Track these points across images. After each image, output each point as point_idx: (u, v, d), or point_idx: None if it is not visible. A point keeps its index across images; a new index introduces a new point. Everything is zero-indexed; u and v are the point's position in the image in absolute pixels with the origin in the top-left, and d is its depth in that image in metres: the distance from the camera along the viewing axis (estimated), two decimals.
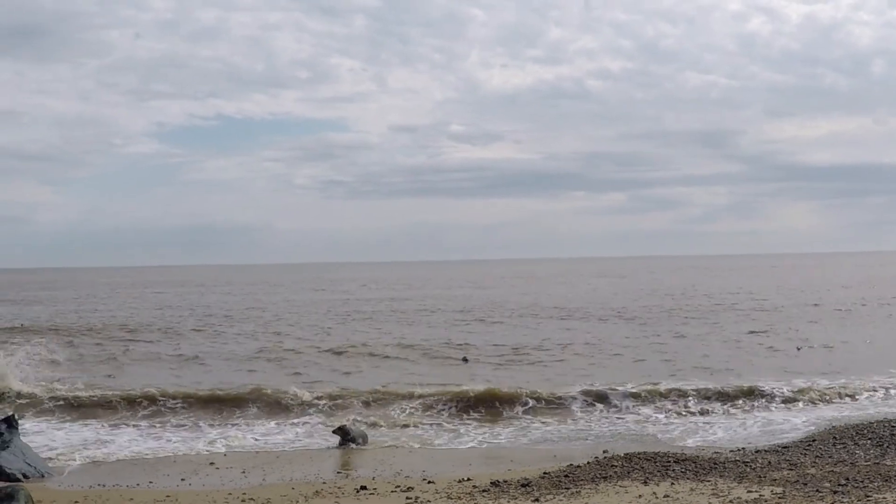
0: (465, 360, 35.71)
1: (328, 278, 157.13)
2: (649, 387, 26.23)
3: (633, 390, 25.86)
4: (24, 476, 17.11)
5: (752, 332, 44.03)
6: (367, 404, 25.03)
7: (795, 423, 22.68)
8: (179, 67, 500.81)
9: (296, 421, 23.67)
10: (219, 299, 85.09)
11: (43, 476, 17.50)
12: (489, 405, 24.91)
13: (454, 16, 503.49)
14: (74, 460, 19.32)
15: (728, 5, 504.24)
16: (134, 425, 23.39)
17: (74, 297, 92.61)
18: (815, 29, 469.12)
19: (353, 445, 20.23)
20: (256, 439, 21.64)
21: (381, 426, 22.80)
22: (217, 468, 18.28)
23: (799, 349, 37.51)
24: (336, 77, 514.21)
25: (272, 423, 23.43)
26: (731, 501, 13.60)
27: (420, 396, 25.36)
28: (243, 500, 14.93)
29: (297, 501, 14.78)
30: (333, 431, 20.90)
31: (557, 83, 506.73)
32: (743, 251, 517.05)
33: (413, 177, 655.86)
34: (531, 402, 24.85)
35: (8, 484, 14.99)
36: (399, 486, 15.69)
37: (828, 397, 25.63)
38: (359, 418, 23.09)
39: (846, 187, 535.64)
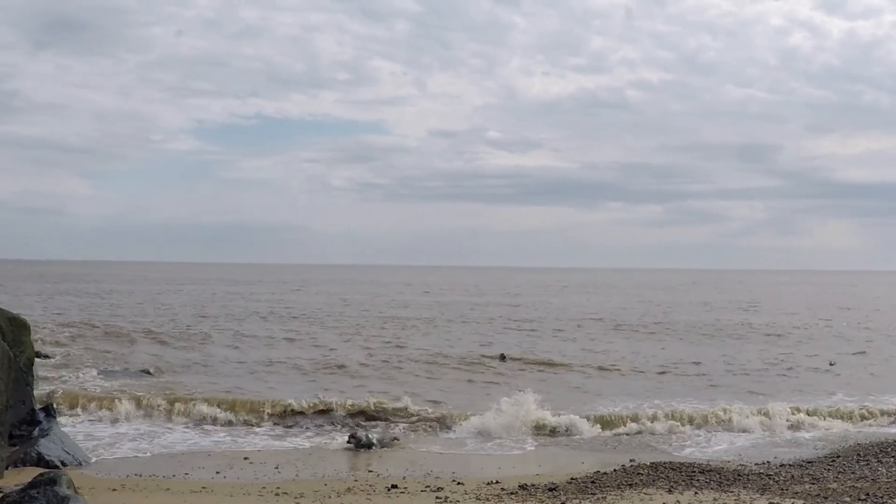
0: (502, 357, 36.30)
1: (363, 281, 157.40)
2: (669, 404, 26.51)
3: (657, 406, 26.16)
4: (63, 463, 17.51)
5: (782, 348, 44.20)
6: (397, 413, 25.15)
7: (803, 438, 23.07)
8: (220, 66, 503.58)
9: (328, 427, 23.78)
10: (259, 299, 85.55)
11: (81, 464, 17.93)
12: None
13: (496, 22, 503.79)
14: (114, 452, 19.76)
15: (769, 20, 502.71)
16: (174, 422, 23.66)
17: (117, 291, 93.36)
18: (857, 45, 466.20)
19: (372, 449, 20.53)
20: (289, 439, 21.99)
21: (412, 430, 23.10)
22: (251, 463, 18.68)
23: (832, 364, 37.62)
24: (376, 80, 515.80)
25: (305, 426, 23.66)
26: None
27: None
28: (277, 494, 15.31)
29: (330, 497, 15.14)
30: (348, 441, 21.10)
31: (597, 92, 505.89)
32: (780, 267, 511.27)
33: (450, 181, 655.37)
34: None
35: (50, 470, 15.36)
36: (429, 486, 16.06)
37: (842, 415, 25.74)
38: (383, 425, 23.37)
39: (884, 206, 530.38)
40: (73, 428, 21.55)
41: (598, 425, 23.61)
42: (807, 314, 71.43)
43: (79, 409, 24.43)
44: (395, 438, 21.50)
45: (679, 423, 24.03)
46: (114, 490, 15.44)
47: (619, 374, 34.06)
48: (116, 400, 25.30)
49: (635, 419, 24.30)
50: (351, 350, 39.64)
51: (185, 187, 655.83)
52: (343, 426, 23.30)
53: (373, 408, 24.62)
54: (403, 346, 40.99)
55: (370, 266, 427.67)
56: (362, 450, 20.43)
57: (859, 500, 14.65)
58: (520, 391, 24.71)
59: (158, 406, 24.81)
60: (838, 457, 19.74)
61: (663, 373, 34.57)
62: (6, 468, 16.50)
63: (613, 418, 24.35)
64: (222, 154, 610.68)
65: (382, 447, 20.67)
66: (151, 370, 31.58)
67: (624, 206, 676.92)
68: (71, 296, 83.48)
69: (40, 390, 23.36)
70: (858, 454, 19.92)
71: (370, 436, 20.91)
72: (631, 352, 41.41)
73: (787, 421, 24.71)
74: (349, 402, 25.23)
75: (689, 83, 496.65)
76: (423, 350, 39.73)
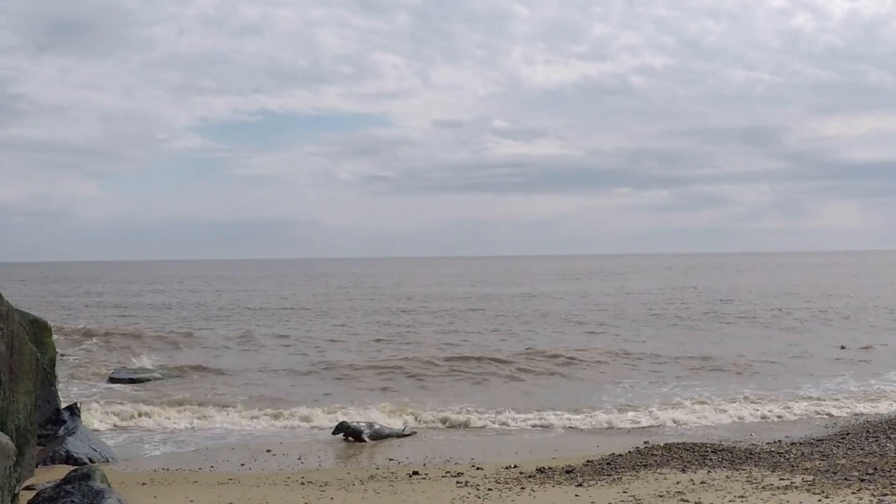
0: (527, 350, 36.82)
1: (375, 274, 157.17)
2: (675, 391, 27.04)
3: (665, 395, 26.81)
4: (91, 460, 17.92)
5: (790, 332, 44.60)
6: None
7: (812, 419, 23.45)
8: (223, 63, 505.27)
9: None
10: (282, 294, 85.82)
11: (108, 461, 18.33)
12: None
13: (497, 12, 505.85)
14: (138, 449, 20.24)
15: (771, 2, 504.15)
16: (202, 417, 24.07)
17: (130, 292, 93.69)
18: (859, 25, 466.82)
19: (366, 440, 20.68)
20: (312, 429, 22.42)
21: (432, 419, 23.48)
22: (273, 455, 19.17)
23: (843, 348, 37.86)
24: (379, 72, 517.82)
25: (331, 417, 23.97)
26: (764, 487, 14.32)
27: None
28: (302, 483, 15.77)
29: (354, 484, 15.60)
30: (333, 433, 21.23)
31: (600, 79, 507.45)
32: (787, 249, 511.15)
33: (456, 172, 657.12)
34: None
35: (82, 466, 15.81)
36: (449, 472, 16.52)
37: (850, 395, 26.21)
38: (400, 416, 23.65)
39: (890, 185, 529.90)
40: (97, 426, 21.95)
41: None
42: (813, 296, 71.59)
43: (100, 409, 24.82)
44: (413, 432, 21.69)
45: (685, 409, 24.38)
46: (143, 484, 15.86)
47: (633, 363, 34.16)
48: (139, 400, 25.87)
49: (646, 407, 24.68)
50: (382, 349, 39.99)
51: (192, 185, 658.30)
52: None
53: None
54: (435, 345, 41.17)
55: (378, 259, 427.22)
56: (351, 440, 20.71)
57: (867, 474, 15.04)
58: None
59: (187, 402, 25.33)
60: (848, 434, 20.17)
61: (664, 361, 34.75)
62: (35, 466, 16.90)
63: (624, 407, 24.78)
64: (228, 151, 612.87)
65: (374, 439, 20.79)
66: (159, 371, 31.97)
67: (631, 191, 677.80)
68: (81, 296, 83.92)
69: (64, 391, 23.90)
70: (868, 431, 20.35)
71: (360, 425, 21.10)
72: (649, 337, 41.79)
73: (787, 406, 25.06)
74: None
75: (693, 68, 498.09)
76: (443, 344, 40.32)
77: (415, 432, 21.74)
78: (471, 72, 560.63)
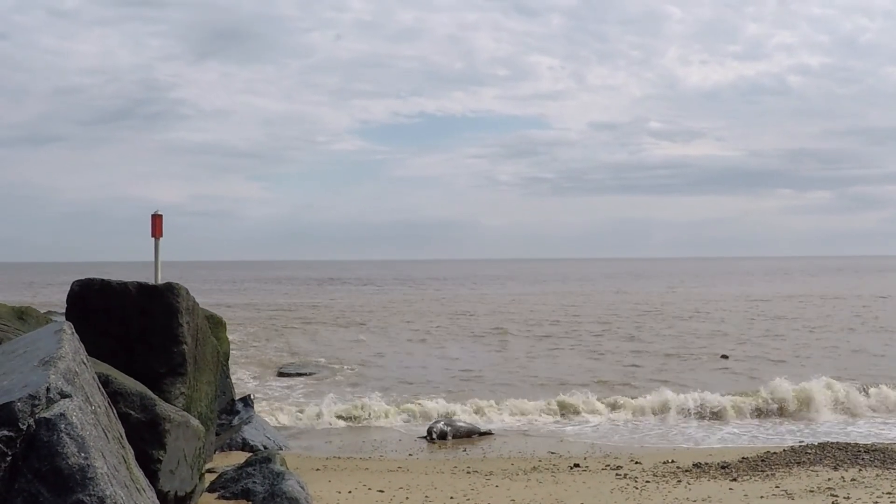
0: (724, 356, 35.88)
1: (564, 278, 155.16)
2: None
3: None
4: (264, 448, 18.83)
5: None
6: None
7: None
8: (380, 67, 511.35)
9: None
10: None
11: (281, 448, 19.24)
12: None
13: (650, 13, 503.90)
14: (309, 438, 21.23)
15: None
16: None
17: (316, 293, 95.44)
18: None
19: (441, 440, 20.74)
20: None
21: (593, 414, 24.02)
22: (438, 447, 20.08)
23: None
24: (535, 75, 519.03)
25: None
26: None
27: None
28: (468, 472, 16.48)
29: (517, 475, 16.26)
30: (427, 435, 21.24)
31: (757, 79, 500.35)
32: None
33: (615, 173, 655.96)
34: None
35: (263, 450, 16.79)
36: (609, 465, 17.07)
37: None
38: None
39: None
40: (268, 417, 22.91)
41: None
42: None
43: (271, 401, 25.85)
44: (488, 432, 21.74)
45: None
46: (317, 469, 16.75)
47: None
48: (307, 393, 26.91)
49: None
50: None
51: (352, 187, 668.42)
52: None
53: None
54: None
55: (542, 259, 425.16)
56: (438, 441, 20.71)
57: None
58: None
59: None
60: None
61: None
62: (213, 452, 17.94)
63: None
64: (388, 153, 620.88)
65: (454, 438, 20.89)
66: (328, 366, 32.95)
67: (793, 193, 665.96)
68: (257, 292, 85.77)
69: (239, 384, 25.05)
70: None
71: (443, 427, 21.14)
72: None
73: None
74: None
75: (850, 66, 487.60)
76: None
77: (490, 432, 21.81)
78: (626, 73, 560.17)
